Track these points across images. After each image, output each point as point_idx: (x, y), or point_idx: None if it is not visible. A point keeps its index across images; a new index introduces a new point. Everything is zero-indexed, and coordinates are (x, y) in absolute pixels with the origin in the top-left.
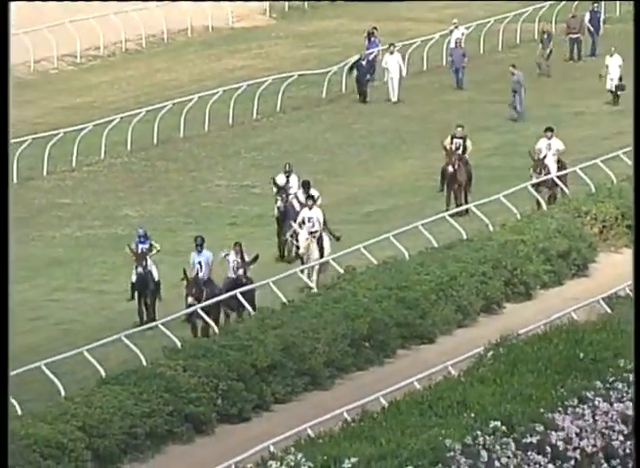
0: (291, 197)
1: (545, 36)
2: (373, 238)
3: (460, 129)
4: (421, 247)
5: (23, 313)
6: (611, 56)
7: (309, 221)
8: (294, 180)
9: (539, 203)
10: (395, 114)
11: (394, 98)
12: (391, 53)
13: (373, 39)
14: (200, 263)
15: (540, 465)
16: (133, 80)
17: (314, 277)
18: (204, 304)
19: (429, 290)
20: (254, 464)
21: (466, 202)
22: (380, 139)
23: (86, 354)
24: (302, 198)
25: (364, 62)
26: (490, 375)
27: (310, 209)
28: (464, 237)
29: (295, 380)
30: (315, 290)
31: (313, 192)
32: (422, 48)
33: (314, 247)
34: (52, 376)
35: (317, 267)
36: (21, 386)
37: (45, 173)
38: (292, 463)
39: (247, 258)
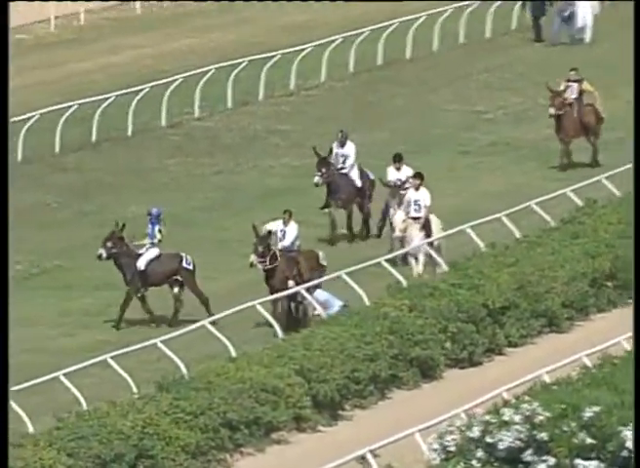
0: (346, 169)
1: None
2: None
3: (573, 72)
4: None
5: (240, 248)
6: None
7: (415, 204)
8: (350, 149)
9: None
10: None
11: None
12: None
13: None
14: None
15: None
16: None
17: (419, 265)
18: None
19: None
20: (485, 412)
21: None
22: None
23: (305, 294)
24: (393, 175)
25: None
26: None
27: (417, 189)
28: None
29: (530, 322)
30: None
31: (408, 170)
32: None
33: (415, 233)
34: (268, 316)
35: (422, 252)
36: (236, 326)
37: (261, 97)
38: (527, 412)
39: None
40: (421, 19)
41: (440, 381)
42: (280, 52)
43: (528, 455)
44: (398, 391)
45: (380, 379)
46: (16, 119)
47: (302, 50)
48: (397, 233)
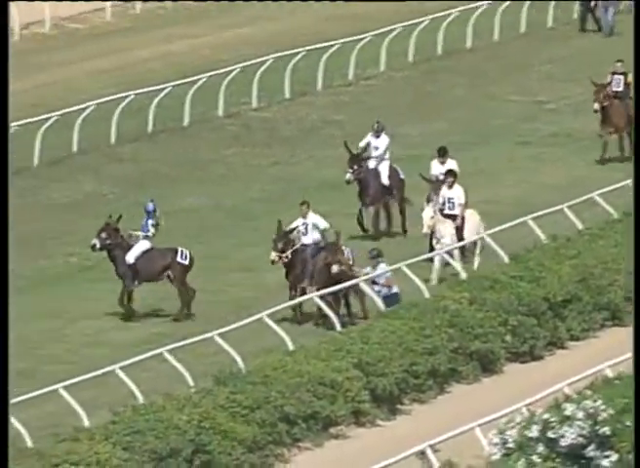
0: (375, 163)
1: None
2: None
3: (619, 63)
4: None
5: None
6: None
7: (449, 202)
8: (383, 141)
9: None
10: None
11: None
12: None
13: None
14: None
15: None
16: None
17: (456, 263)
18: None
19: None
20: (546, 407)
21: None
22: None
23: (363, 286)
24: (437, 169)
25: None
26: None
27: (451, 187)
28: None
29: (592, 315)
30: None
31: (452, 164)
32: None
33: (447, 231)
34: (325, 307)
35: (457, 252)
36: (294, 319)
37: (319, 87)
38: (589, 408)
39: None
40: (482, 9)
41: (500, 375)
42: (339, 41)
43: (590, 451)
44: (458, 385)
45: (439, 373)
46: (71, 109)
47: (361, 39)
48: (425, 229)
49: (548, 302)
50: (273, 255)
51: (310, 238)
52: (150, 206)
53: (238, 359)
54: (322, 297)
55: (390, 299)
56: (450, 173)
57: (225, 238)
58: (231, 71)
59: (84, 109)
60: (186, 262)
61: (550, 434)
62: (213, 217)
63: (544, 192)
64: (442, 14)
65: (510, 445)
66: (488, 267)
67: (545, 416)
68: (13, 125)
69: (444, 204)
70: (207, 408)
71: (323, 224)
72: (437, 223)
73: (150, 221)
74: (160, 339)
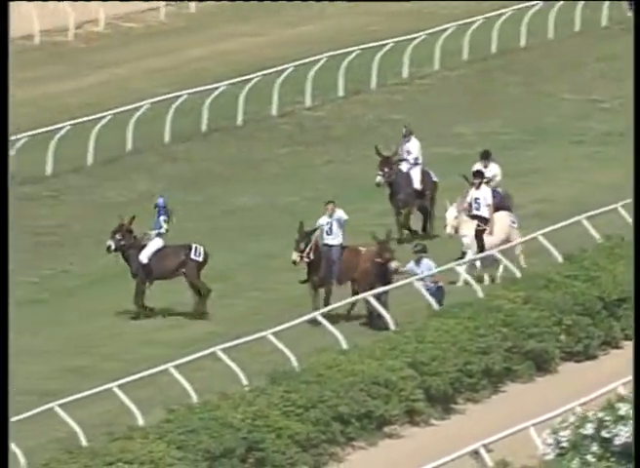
0: (407, 167)
1: None
2: None
3: None
4: None
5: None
6: None
7: (475, 202)
8: (414, 145)
9: None
10: None
11: None
12: None
13: None
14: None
15: None
16: None
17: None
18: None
19: None
20: (600, 407)
21: None
22: None
23: (417, 285)
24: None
25: None
26: None
27: (478, 187)
28: None
29: None
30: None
31: (495, 168)
32: None
33: (469, 231)
34: (378, 306)
35: (470, 253)
36: (348, 318)
37: (374, 86)
38: None
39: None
40: (536, 7)
41: (555, 375)
42: (393, 40)
43: None
44: (512, 384)
45: (493, 373)
46: (126, 108)
47: (416, 38)
48: (449, 230)
49: (603, 302)
50: (295, 256)
51: (334, 237)
52: (161, 201)
53: (292, 358)
54: (376, 297)
55: (437, 294)
56: (477, 173)
57: (279, 237)
58: (285, 70)
59: (138, 108)
60: (200, 259)
61: (604, 433)
62: (266, 216)
63: (599, 191)
64: (496, 12)
65: (564, 444)
66: (542, 266)
67: (600, 415)
68: (67, 124)
69: (470, 204)
70: (261, 406)
71: (344, 217)
72: (461, 223)
73: (162, 217)
74: (214, 338)
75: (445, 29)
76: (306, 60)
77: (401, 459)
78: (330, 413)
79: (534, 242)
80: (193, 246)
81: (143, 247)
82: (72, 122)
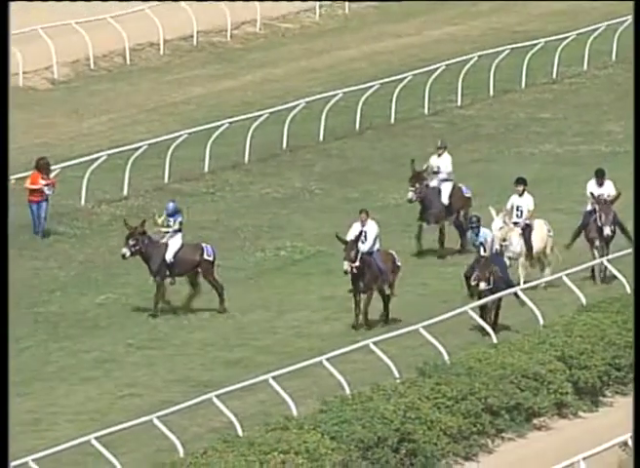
0: (437, 182)
1: None
2: None
3: None
4: None
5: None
6: None
7: (517, 210)
8: (445, 160)
9: None
10: None
11: None
12: None
13: None
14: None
15: None
16: None
17: (520, 271)
18: None
19: None
20: None
21: None
22: None
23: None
24: (592, 190)
25: None
26: None
27: (521, 195)
28: None
29: None
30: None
31: (609, 186)
32: None
33: (515, 240)
34: (530, 303)
35: (522, 261)
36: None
37: (523, 85)
38: None
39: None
40: None
41: None
42: (543, 40)
43: None
44: None
45: None
46: (282, 107)
47: (566, 37)
48: (497, 244)
49: None
50: (346, 265)
51: (367, 246)
52: (171, 205)
53: (443, 351)
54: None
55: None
56: (520, 181)
57: (429, 233)
58: (436, 69)
59: (294, 107)
60: (211, 258)
61: None
62: (417, 213)
63: None
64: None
65: None
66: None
67: None
68: (225, 122)
69: (512, 211)
70: (412, 398)
71: (375, 234)
72: (508, 232)
73: (178, 219)
74: (365, 332)
75: (595, 29)
76: (457, 60)
77: (550, 451)
78: (480, 405)
79: None
80: (204, 246)
81: (161, 245)
82: (230, 120)
